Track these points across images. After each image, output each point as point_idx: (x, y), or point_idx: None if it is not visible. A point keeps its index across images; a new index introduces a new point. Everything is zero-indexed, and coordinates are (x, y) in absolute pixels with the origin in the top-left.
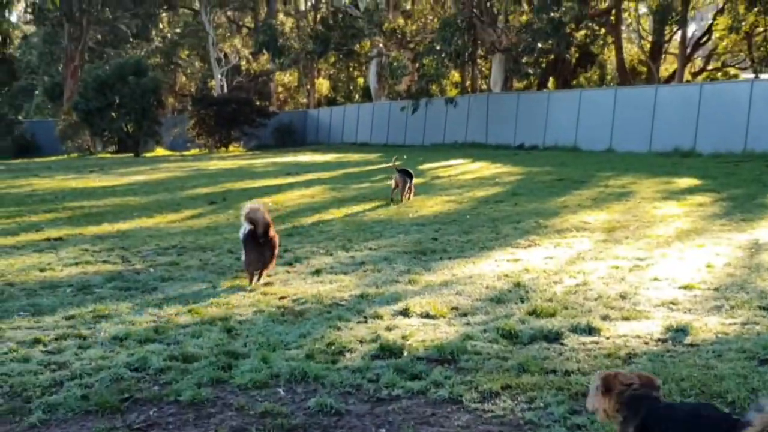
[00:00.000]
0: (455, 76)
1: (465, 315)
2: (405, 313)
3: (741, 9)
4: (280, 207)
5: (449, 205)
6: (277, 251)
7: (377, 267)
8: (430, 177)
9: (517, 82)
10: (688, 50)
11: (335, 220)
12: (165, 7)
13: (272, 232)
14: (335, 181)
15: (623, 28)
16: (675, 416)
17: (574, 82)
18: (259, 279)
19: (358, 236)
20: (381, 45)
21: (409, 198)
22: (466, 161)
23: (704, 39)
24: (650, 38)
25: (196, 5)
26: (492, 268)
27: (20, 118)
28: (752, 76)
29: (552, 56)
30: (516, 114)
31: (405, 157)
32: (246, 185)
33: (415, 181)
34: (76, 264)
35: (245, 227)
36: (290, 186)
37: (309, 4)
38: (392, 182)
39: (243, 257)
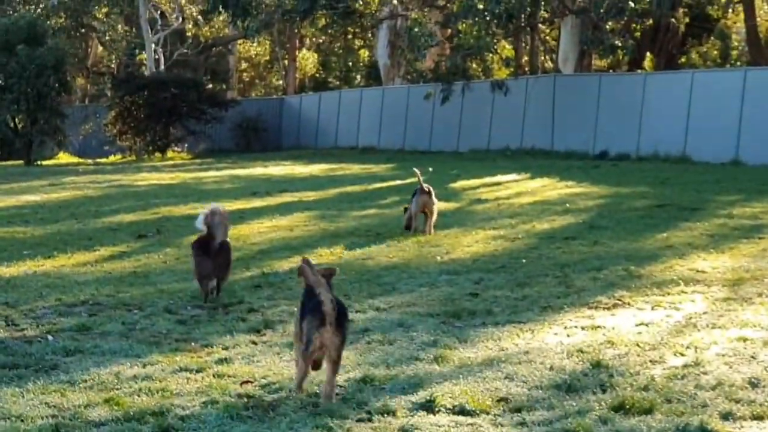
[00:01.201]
0: (506, 49)
1: (518, 411)
2: (429, 406)
3: None
4: (242, 244)
5: (496, 244)
6: (231, 258)
7: (388, 337)
8: (467, 201)
9: (599, 58)
10: None
11: (324, 265)
12: None
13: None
14: (325, 206)
15: None
16: (310, 303)
17: (683, 60)
18: (216, 294)
19: (359, 290)
20: (395, 1)
21: (429, 231)
22: (521, 177)
23: None
24: None
25: None
26: (559, 339)
27: None
28: None
29: (650, 21)
30: (597, 106)
31: (431, 169)
32: (191, 210)
33: (439, 205)
34: None
35: (201, 224)
36: (257, 213)
37: None
38: (411, 206)
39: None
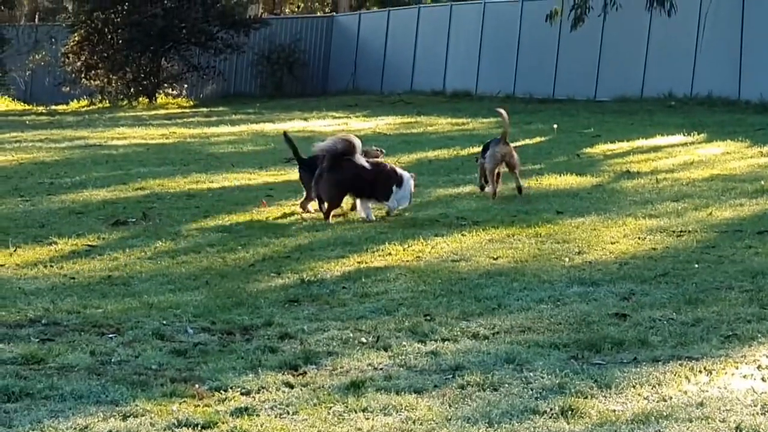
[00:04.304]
0: None
1: None
2: None
3: None
4: (271, 236)
5: (654, 240)
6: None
7: (491, 378)
8: (610, 174)
9: None
10: None
11: (395, 269)
12: None
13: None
14: None
15: None
16: None
17: None
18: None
19: (447, 307)
20: None
21: (494, 189)
22: (692, 139)
23: None
24: None
25: None
26: (750, 384)
27: None
28: None
29: None
30: None
31: (555, 126)
32: (194, 185)
33: (569, 180)
34: None
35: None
36: (294, 190)
37: None
38: (492, 160)
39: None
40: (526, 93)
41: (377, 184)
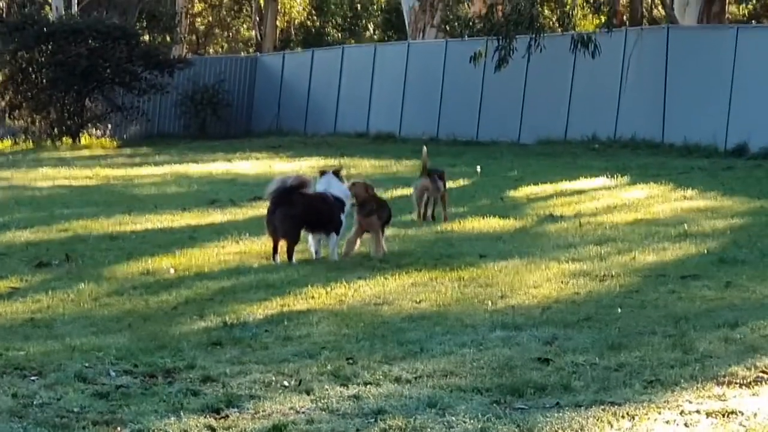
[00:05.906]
0: None
1: None
2: None
3: None
4: (193, 279)
5: (577, 284)
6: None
7: (413, 423)
8: (533, 217)
9: (735, 2)
10: None
11: (318, 312)
12: None
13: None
14: None
15: None
16: None
17: None
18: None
19: (369, 351)
20: None
21: (419, 211)
22: (615, 183)
23: None
24: None
25: None
26: (673, 430)
27: None
28: None
29: None
30: (731, 75)
31: (479, 168)
32: (117, 226)
33: (492, 224)
34: None
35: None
36: (216, 232)
37: None
38: (416, 191)
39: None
40: (450, 135)
41: (325, 215)
